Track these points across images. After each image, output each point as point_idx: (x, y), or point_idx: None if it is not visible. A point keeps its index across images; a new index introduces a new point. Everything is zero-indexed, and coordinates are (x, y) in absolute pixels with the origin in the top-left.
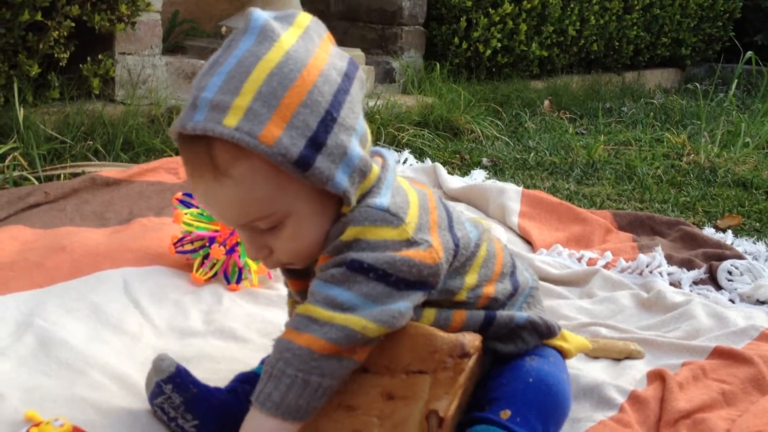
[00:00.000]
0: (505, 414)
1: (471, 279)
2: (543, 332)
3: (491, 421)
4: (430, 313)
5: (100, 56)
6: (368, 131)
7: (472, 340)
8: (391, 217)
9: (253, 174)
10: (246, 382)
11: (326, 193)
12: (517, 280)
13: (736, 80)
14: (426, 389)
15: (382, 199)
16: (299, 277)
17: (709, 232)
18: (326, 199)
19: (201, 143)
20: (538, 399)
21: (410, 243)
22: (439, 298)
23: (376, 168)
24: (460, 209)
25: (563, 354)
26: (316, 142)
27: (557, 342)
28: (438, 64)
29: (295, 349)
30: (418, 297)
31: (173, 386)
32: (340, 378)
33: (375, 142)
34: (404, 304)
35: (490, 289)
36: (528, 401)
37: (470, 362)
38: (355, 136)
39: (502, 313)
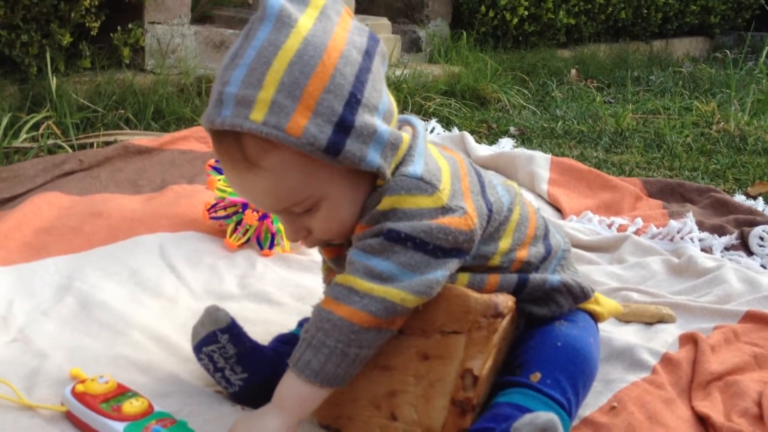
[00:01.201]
0: (535, 377)
1: (505, 243)
2: (577, 295)
3: (522, 384)
4: (463, 278)
5: (129, 26)
6: (393, 105)
7: (505, 300)
8: (425, 185)
9: (283, 165)
10: (287, 343)
11: (359, 170)
12: (549, 244)
13: (766, 48)
14: (460, 349)
15: (416, 167)
16: (333, 245)
17: (739, 199)
18: (359, 176)
19: (230, 137)
20: (566, 362)
21: (445, 210)
22: (474, 264)
23: (406, 137)
24: (491, 173)
25: (596, 317)
26: (344, 126)
27: (590, 305)
28: (464, 33)
29: (335, 320)
30: (454, 264)
31: (230, 336)
32: (378, 347)
33: (402, 112)
34: (441, 273)
35: (523, 253)
36: (557, 364)
37: (504, 322)
38: (379, 114)
39: (536, 276)
